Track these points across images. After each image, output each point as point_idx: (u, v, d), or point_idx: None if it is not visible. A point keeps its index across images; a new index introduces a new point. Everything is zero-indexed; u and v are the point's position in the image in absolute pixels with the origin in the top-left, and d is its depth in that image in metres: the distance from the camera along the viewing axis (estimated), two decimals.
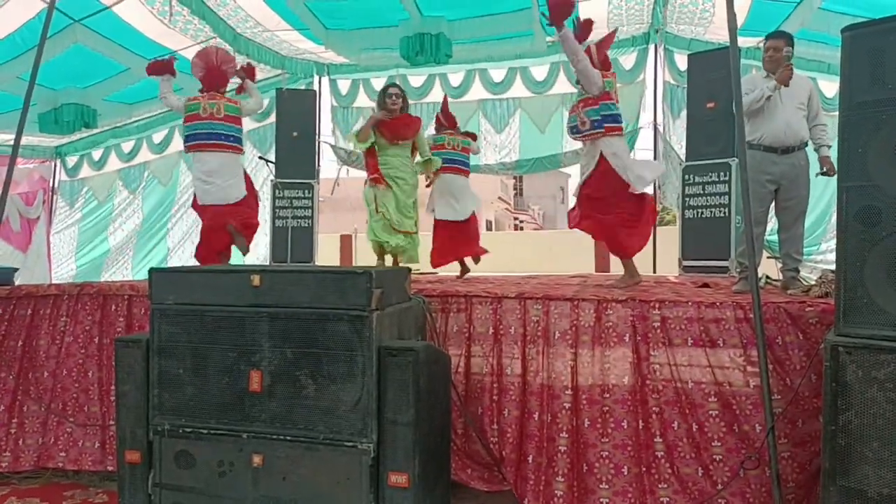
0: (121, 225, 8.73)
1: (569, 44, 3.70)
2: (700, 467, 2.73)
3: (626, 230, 3.76)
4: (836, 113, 6.36)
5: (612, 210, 3.76)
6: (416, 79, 7.69)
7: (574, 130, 3.91)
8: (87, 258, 8.72)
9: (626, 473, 2.80)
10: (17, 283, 4.43)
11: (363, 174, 8.08)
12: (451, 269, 5.58)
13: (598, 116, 3.75)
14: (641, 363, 2.87)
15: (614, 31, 4.34)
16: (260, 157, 6.65)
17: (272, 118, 7.56)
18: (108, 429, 3.69)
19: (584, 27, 3.96)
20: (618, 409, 2.87)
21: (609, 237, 3.87)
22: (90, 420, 3.74)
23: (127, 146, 8.57)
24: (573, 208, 4.10)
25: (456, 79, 7.76)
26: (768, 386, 2.55)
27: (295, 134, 7.08)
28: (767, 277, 4.03)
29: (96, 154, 8.75)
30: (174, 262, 8.16)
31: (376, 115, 4.89)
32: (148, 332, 2.76)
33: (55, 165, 8.84)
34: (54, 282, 7.59)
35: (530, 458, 2.96)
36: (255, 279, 2.62)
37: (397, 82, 5.13)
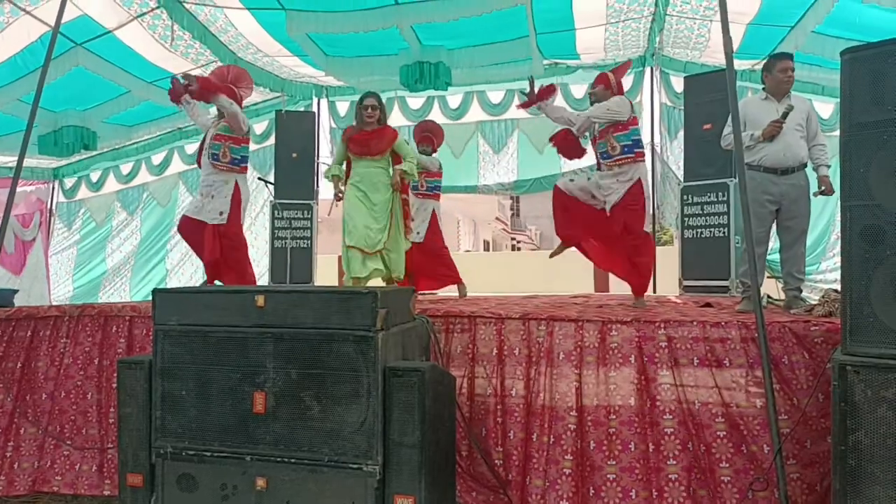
0: (118, 246, 8.72)
1: (555, 113, 4.10)
2: (708, 490, 2.70)
3: (645, 259, 3.99)
4: (832, 133, 6.47)
5: (627, 239, 3.92)
6: (415, 101, 7.76)
7: (605, 156, 4.04)
8: (85, 279, 8.69)
9: (633, 497, 2.77)
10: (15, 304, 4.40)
11: None
12: (451, 290, 5.59)
13: (629, 142, 3.92)
14: (650, 384, 2.85)
15: (629, 62, 4.48)
16: (259, 178, 6.67)
17: (271, 140, 7.61)
18: (107, 452, 3.64)
19: (549, 90, 4.26)
20: (624, 430, 2.85)
21: (624, 264, 4.04)
22: (88, 443, 3.70)
23: (126, 168, 8.59)
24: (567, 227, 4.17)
25: (454, 101, 7.84)
26: (774, 407, 2.54)
27: (294, 155, 7.12)
28: (769, 297, 4.04)
29: (94, 176, 8.77)
30: (173, 284, 8.14)
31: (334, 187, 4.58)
32: (150, 354, 2.74)
33: (53, 187, 8.84)
34: (53, 303, 7.55)
35: (535, 481, 2.93)
36: (260, 300, 2.61)
37: (374, 92, 4.66)
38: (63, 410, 3.76)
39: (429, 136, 5.58)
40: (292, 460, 2.51)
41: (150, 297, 2.80)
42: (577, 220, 4.14)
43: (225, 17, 5.75)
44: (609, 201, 3.95)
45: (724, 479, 2.70)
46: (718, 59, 6.31)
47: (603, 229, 4.03)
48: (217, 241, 4.51)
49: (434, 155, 5.58)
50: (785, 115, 3.59)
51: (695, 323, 2.93)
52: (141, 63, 6.09)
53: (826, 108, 6.42)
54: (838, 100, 5.63)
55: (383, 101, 4.66)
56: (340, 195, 4.56)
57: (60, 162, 8.38)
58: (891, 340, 2.18)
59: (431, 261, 5.34)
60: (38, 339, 3.86)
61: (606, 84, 4.14)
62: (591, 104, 4.26)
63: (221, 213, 4.50)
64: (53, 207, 8.86)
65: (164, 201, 8.53)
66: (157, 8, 5.38)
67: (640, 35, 6.47)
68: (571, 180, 4.23)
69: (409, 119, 7.66)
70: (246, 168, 4.78)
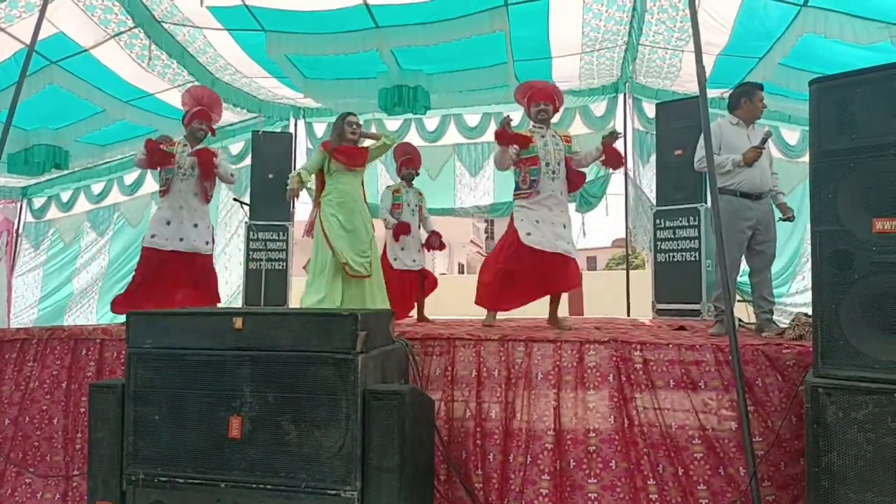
0: (85, 267, 8.53)
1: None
2: None
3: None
4: (799, 159, 6.64)
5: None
6: (392, 123, 7.80)
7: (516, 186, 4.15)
8: (50, 301, 8.47)
9: None
10: None
11: None
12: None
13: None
14: (627, 404, 2.88)
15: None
16: (235, 199, 6.61)
17: (248, 160, 7.56)
18: (72, 479, 3.53)
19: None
20: (605, 448, 2.86)
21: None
22: (52, 470, 3.58)
23: (97, 187, 8.45)
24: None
25: (431, 123, 7.91)
26: (749, 429, 2.57)
27: (270, 176, 7.08)
28: (741, 320, 4.11)
29: (64, 195, 8.60)
30: None
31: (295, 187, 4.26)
32: (122, 377, 2.67)
33: (21, 206, 8.65)
34: (12, 326, 7.34)
35: (512, 503, 2.91)
36: (238, 322, 2.57)
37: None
38: (27, 436, 3.64)
39: (411, 158, 5.59)
40: (268, 486, 2.46)
41: (118, 319, 2.74)
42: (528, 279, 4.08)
43: (203, 37, 5.75)
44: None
45: (703, 502, 2.72)
46: (689, 88, 6.49)
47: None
48: (187, 269, 4.41)
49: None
50: (764, 141, 3.69)
51: (670, 346, 2.97)
52: (117, 82, 6.04)
53: (793, 135, 6.64)
54: (804, 127, 5.84)
55: (361, 121, 4.67)
56: (296, 196, 4.49)
57: (29, 181, 8.22)
58: (860, 363, 2.24)
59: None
60: (2, 363, 3.75)
61: (555, 107, 4.22)
62: (539, 120, 4.20)
63: (207, 243, 4.49)
64: (20, 228, 8.66)
65: (134, 221, 8.38)
66: (135, 27, 5.34)
67: (613, 64, 6.64)
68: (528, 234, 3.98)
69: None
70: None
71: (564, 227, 4.03)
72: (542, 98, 4.16)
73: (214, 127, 4.68)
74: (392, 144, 4.74)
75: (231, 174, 4.59)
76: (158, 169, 4.42)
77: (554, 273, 3.95)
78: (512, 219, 4.10)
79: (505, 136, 3.93)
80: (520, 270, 4.00)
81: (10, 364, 3.74)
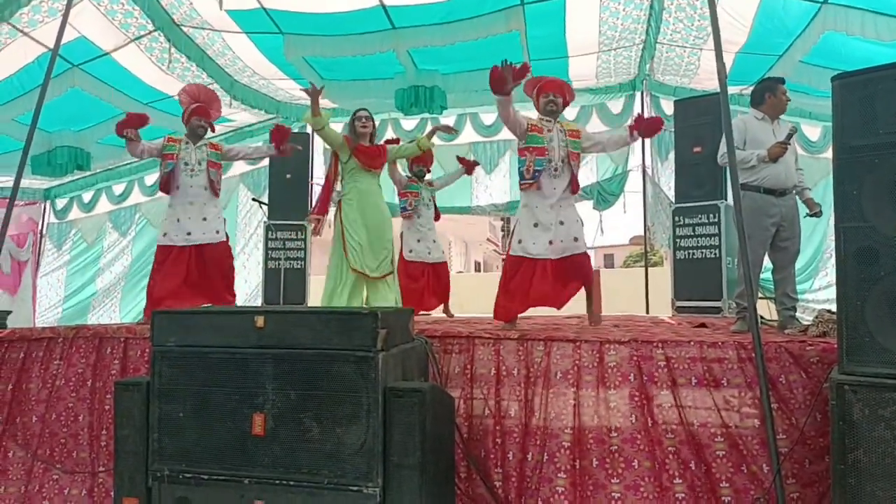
0: (108, 267, 8.66)
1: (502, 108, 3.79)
2: None
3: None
4: (821, 155, 6.58)
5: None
6: (408, 122, 7.84)
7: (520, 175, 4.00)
8: (74, 300, 8.61)
9: None
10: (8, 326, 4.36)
11: None
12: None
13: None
14: (649, 403, 2.86)
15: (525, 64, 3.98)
16: (253, 199, 6.68)
17: (266, 161, 7.62)
18: (98, 475, 3.58)
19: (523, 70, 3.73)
20: (627, 448, 2.85)
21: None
22: (78, 466, 3.64)
23: (118, 188, 8.58)
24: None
25: (448, 122, 7.90)
26: (773, 426, 2.55)
27: (288, 176, 7.13)
28: (763, 317, 4.07)
29: (86, 196, 8.74)
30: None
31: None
32: (147, 375, 2.71)
33: (44, 207, 8.80)
34: (38, 325, 7.47)
35: (528, 501, 2.91)
36: (259, 320, 2.60)
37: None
38: (53, 433, 3.70)
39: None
40: (291, 483, 2.48)
41: (141, 318, 2.78)
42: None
43: (223, 40, 5.81)
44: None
45: (726, 500, 2.70)
46: (707, 85, 6.44)
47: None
48: (201, 262, 4.55)
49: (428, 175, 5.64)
50: (789, 137, 3.63)
51: (692, 343, 2.95)
52: (138, 85, 6.13)
53: (814, 130, 6.56)
54: (826, 123, 5.78)
55: (376, 122, 4.69)
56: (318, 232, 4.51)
57: (52, 182, 8.36)
58: (887, 360, 2.21)
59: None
60: (30, 361, 3.82)
61: (565, 101, 4.09)
62: (551, 110, 4.05)
63: (218, 232, 4.59)
64: (44, 228, 8.81)
65: (156, 221, 8.49)
66: (155, 31, 5.42)
67: (631, 63, 6.61)
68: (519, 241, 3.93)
69: (404, 140, 7.73)
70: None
71: (562, 223, 3.88)
72: (551, 89, 4.03)
73: (213, 123, 4.79)
74: (421, 153, 4.72)
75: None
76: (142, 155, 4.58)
77: (555, 279, 3.88)
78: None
79: (498, 72, 3.58)
80: (517, 283, 3.86)
81: (38, 362, 3.81)
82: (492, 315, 3.97)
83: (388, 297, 4.37)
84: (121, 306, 8.38)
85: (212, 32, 5.67)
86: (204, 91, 4.84)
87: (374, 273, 4.26)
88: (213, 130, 4.77)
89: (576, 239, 3.90)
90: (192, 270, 4.50)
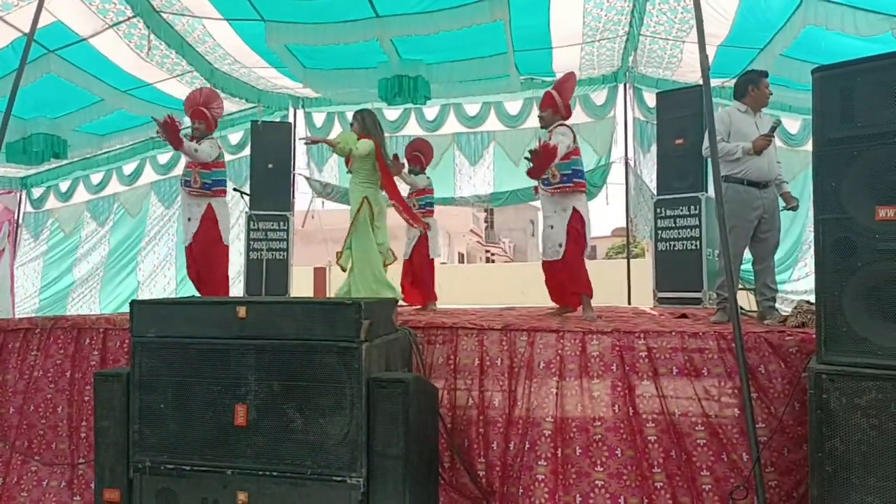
0: (86, 257, 8.52)
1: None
2: (691, 498, 2.74)
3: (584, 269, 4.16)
4: (800, 148, 6.64)
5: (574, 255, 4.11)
6: (391, 112, 7.78)
7: (546, 182, 4.16)
8: (51, 291, 8.47)
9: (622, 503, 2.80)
10: None
11: (337, 206, 8.08)
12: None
13: (569, 171, 4.07)
14: (631, 392, 2.89)
15: (573, 74, 4.43)
16: (235, 189, 6.60)
17: (247, 150, 7.55)
18: (77, 467, 3.54)
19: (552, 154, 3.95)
20: (610, 437, 2.87)
21: (575, 276, 4.13)
22: (57, 458, 3.59)
23: (96, 178, 8.43)
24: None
25: (431, 113, 7.88)
26: (752, 416, 2.59)
27: (270, 166, 7.07)
28: (742, 308, 4.12)
29: (63, 185, 8.57)
30: (145, 296, 7.98)
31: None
32: (126, 367, 2.68)
33: (20, 196, 8.62)
34: (17, 316, 7.34)
35: (520, 491, 2.93)
36: (241, 311, 2.58)
37: (361, 111, 4.68)
38: (31, 425, 3.65)
39: (418, 155, 5.60)
40: (274, 473, 2.47)
41: (121, 309, 2.75)
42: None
43: (203, 27, 5.71)
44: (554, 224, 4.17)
45: (706, 487, 2.74)
46: (689, 78, 6.47)
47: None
48: (193, 261, 4.74)
49: (423, 174, 5.59)
50: (773, 130, 3.67)
51: (673, 333, 2.98)
52: (115, 72, 6.00)
53: (794, 123, 6.63)
54: (806, 116, 5.82)
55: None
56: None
57: (28, 171, 8.19)
58: (864, 349, 2.25)
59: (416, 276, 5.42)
60: (6, 352, 3.76)
61: (554, 108, 4.22)
62: (541, 127, 4.38)
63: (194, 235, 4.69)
64: (20, 218, 8.64)
65: (134, 211, 8.39)
66: (134, 17, 5.31)
67: (614, 54, 6.62)
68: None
69: (386, 130, 7.68)
70: (221, 192, 4.81)
71: (552, 227, 4.18)
72: (540, 105, 4.33)
73: (216, 117, 4.88)
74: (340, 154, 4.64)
75: (195, 150, 4.58)
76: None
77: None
78: (581, 216, 4.19)
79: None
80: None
81: (14, 353, 3.75)
82: (475, 305, 4.03)
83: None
84: (100, 297, 8.26)
85: (192, 19, 5.57)
86: (205, 94, 4.98)
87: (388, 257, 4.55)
88: (210, 129, 4.82)
89: (552, 245, 4.19)
90: (191, 269, 4.80)
